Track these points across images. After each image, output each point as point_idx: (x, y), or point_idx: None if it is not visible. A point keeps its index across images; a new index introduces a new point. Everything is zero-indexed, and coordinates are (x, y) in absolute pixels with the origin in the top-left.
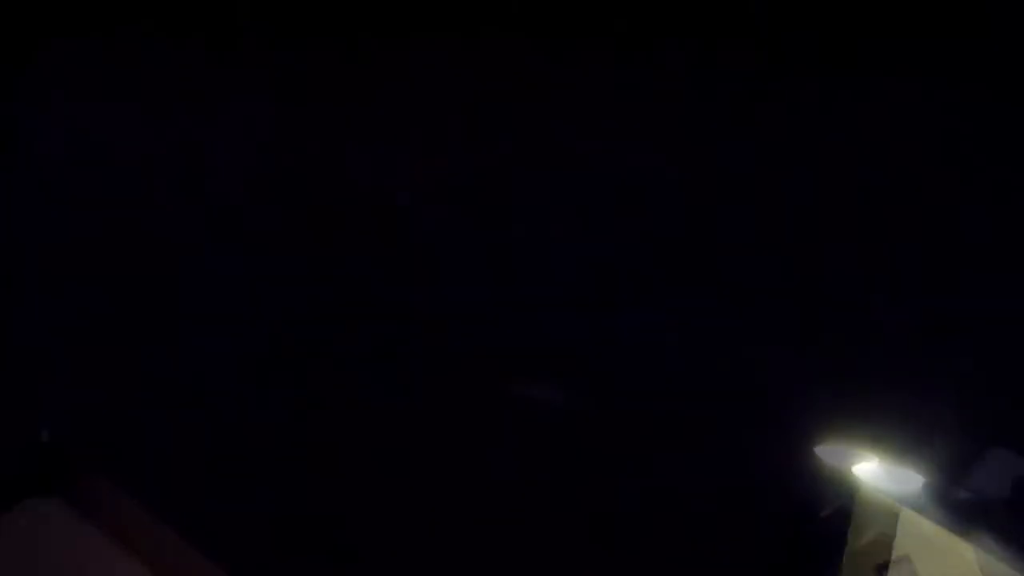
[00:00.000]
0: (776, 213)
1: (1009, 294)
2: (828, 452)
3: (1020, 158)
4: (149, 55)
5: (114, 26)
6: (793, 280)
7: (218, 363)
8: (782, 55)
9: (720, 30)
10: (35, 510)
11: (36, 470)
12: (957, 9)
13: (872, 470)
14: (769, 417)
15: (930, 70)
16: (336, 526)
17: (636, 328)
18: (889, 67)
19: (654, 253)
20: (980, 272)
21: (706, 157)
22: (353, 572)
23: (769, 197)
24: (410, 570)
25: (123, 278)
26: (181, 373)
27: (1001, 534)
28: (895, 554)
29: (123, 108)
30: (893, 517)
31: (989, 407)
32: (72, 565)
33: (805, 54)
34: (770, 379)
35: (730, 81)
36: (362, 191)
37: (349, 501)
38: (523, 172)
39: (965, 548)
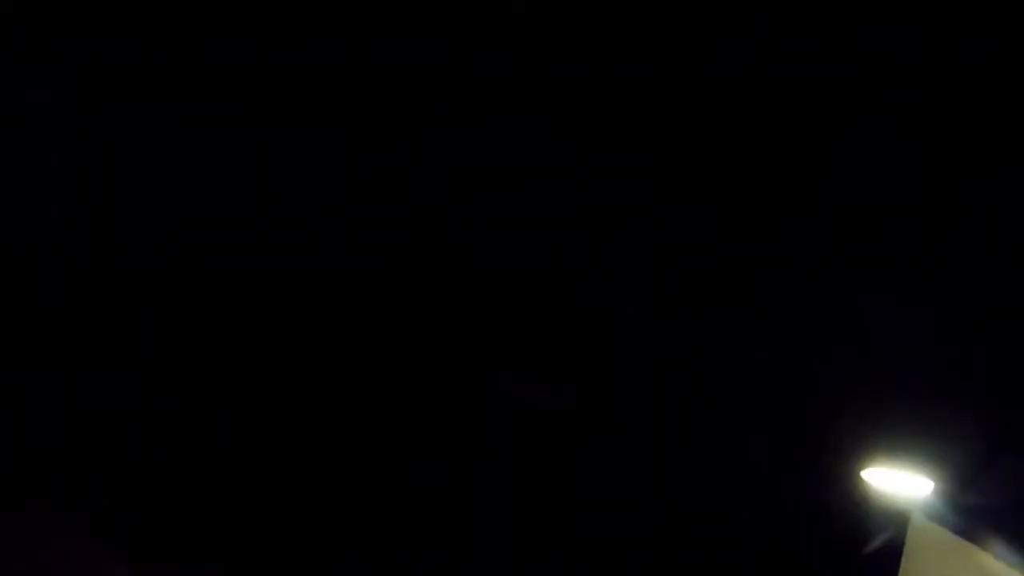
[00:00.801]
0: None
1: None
2: (877, 476)
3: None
4: None
5: None
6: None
7: None
8: None
9: None
10: (35, 510)
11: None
12: None
13: (925, 496)
14: (812, 438)
15: None
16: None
17: (682, 344)
18: None
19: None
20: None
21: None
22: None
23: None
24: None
25: None
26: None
27: None
28: None
29: None
30: (948, 548)
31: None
32: (65, 565)
33: None
34: (796, 392)
35: None
36: None
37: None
38: None
39: None
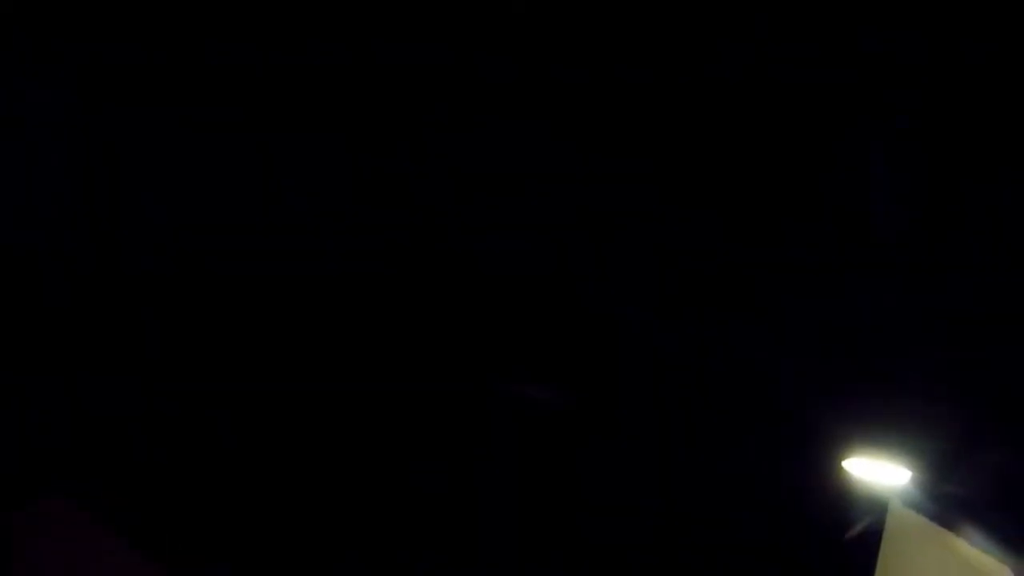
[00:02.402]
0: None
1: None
2: (857, 466)
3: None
4: None
5: None
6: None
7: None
8: None
9: None
10: (36, 510)
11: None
12: None
13: (904, 485)
14: (795, 429)
15: None
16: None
17: (667, 341)
18: None
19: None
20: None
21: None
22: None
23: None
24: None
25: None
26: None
27: None
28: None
29: None
30: (925, 534)
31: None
32: (75, 562)
33: None
34: (793, 388)
35: None
36: None
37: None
38: None
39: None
